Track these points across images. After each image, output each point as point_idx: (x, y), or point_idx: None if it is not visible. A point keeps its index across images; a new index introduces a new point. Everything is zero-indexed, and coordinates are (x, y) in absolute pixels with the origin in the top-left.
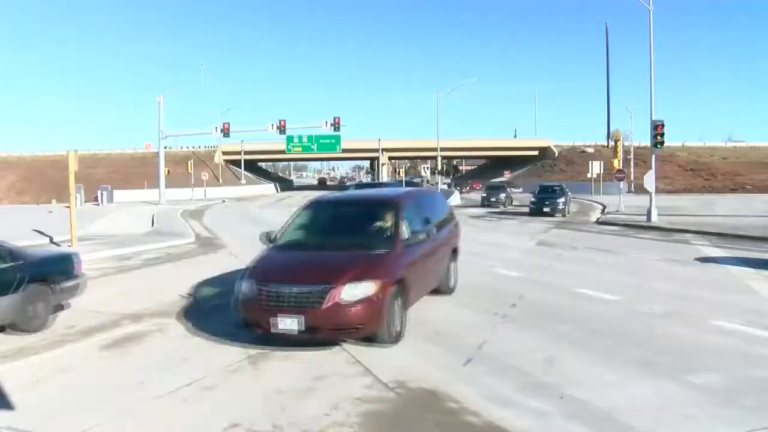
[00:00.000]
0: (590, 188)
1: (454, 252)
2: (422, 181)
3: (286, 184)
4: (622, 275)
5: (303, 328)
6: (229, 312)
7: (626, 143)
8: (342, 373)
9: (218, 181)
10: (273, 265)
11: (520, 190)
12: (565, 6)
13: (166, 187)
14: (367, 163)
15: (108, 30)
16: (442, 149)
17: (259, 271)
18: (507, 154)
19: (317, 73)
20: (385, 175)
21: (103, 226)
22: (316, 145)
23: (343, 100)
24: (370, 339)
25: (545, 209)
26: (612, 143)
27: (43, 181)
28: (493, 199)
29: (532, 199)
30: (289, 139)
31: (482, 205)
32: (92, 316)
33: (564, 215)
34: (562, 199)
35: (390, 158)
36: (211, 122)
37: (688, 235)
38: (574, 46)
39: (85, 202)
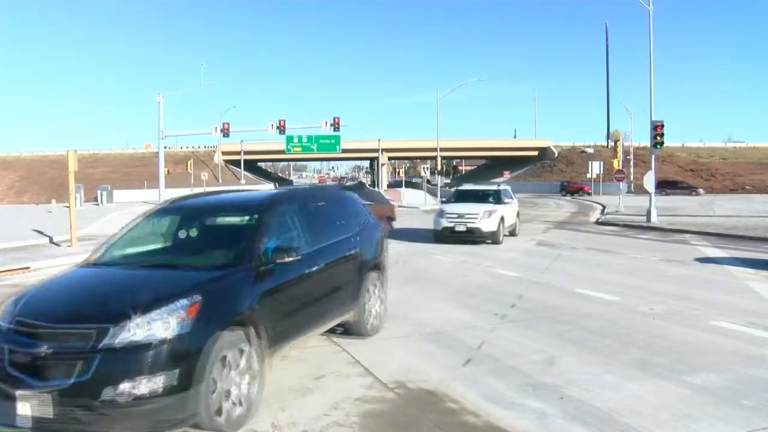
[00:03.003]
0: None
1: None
2: (422, 181)
3: (286, 184)
4: (621, 275)
5: None
6: None
7: (626, 143)
8: (342, 374)
9: (218, 181)
10: None
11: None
12: (565, 6)
13: (166, 187)
14: (366, 164)
15: (108, 30)
16: (442, 149)
17: None
18: (507, 154)
19: (317, 73)
20: (384, 176)
21: (103, 226)
22: (315, 145)
23: (343, 100)
24: None
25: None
26: (612, 143)
27: (43, 181)
28: None
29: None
30: (289, 139)
31: None
32: None
33: (368, 330)
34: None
35: (390, 158)
36: (211, 122)
37: (687, 236)
38: (574, 46)
39: (85, 202)
